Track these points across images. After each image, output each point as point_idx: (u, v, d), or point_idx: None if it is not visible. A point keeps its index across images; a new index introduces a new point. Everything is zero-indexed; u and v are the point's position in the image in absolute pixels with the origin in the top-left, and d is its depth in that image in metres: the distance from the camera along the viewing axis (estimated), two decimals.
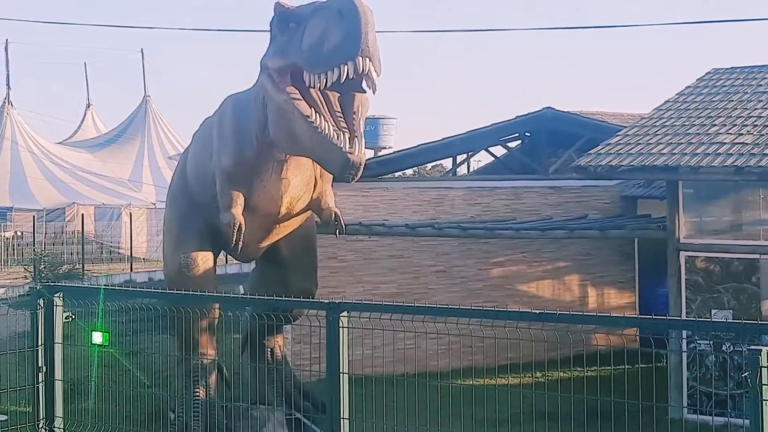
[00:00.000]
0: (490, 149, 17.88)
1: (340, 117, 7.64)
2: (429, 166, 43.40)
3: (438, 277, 14.78)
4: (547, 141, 17.25)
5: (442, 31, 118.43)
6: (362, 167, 7.60)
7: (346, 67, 7.20)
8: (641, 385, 6.34)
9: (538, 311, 5.74)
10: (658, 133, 12.38)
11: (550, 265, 15.60)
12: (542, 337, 5.88)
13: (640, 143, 12.09)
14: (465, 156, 17.88)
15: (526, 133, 17.78)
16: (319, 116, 7.55)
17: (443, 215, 14.65)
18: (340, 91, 7.64)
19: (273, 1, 8.11)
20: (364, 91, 7.69)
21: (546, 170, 16.46)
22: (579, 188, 15.77)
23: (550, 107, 16.56)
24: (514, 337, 5.66)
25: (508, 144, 18.05)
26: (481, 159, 23.65)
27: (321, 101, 7.63)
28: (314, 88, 7.55)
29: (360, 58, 7.13)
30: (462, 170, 19.57)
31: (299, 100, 7.65)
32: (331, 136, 7.48)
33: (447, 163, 20.58)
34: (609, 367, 8.51)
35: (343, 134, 7.52)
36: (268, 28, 8.29)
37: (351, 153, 7.47)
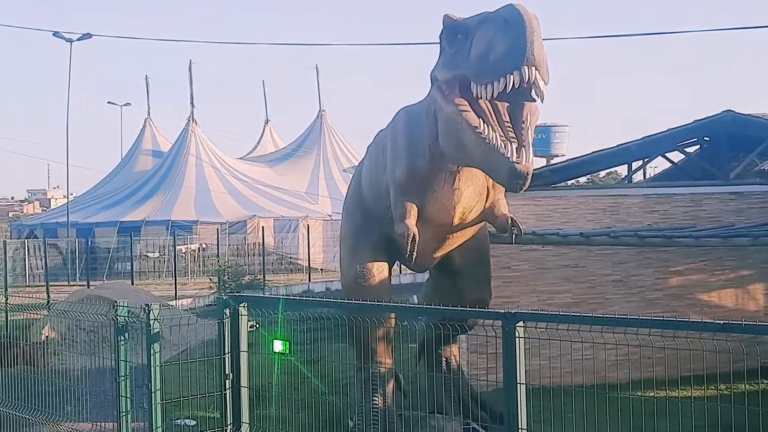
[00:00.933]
0: (668, 155, 17.36)
1: (509, 127, 7.55)
2: (603, 173, 42.58)
3: (614, 286, 14.46)
4: (728, 145, 16.58)
5: (617, 36, 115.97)
6: (530, 177, 7.47)
7: (511, 76, 7.09)
8: None
9: (722, 321, 5.54)
10: None
11: (732, 274, 14.98)
12: (726, 348, 5.68)
13: None
14: (641, 162, 17.43)
15: (705, 138, 17.16)
16: (487, 126, 7.50)
17: (619, 223, 14.33)
18: (509, 101, 7.56)
19: (441, 14, 8.18)
20: (534, 100, 7.57)
21: (727, 176, 15.84)
22: (762, 193, 15.09)
23: (730, 110, 15.93)
24: (697, 348, 5.50)
25: (686, 149, 17.50)
26: (658, 165, 23.00)
27: (490, 111, 7.58)
28: (482, 98, 7.54)
29: (525, 67, 7.02)
30: (638, 177, 19.09)
31: (468, 111, 7.62)
32: (498, 145, 7.41)
33: (622, 170, 20.06)
34: None
35: (511, 144, 7.41)
36: (438, 41, 8.37)
37: (518, 163, 7.36)
